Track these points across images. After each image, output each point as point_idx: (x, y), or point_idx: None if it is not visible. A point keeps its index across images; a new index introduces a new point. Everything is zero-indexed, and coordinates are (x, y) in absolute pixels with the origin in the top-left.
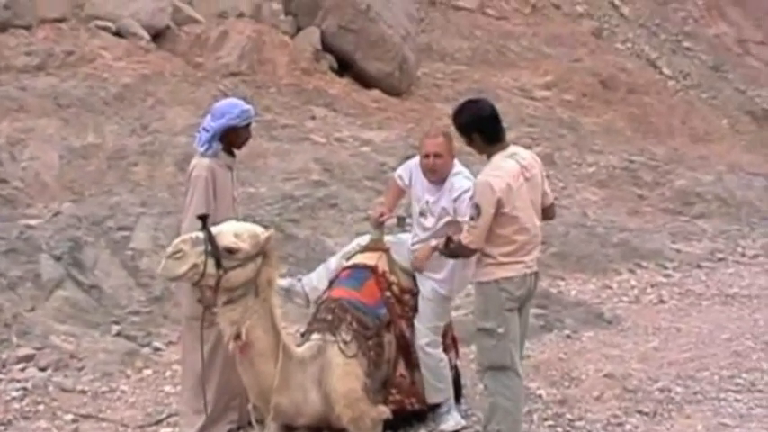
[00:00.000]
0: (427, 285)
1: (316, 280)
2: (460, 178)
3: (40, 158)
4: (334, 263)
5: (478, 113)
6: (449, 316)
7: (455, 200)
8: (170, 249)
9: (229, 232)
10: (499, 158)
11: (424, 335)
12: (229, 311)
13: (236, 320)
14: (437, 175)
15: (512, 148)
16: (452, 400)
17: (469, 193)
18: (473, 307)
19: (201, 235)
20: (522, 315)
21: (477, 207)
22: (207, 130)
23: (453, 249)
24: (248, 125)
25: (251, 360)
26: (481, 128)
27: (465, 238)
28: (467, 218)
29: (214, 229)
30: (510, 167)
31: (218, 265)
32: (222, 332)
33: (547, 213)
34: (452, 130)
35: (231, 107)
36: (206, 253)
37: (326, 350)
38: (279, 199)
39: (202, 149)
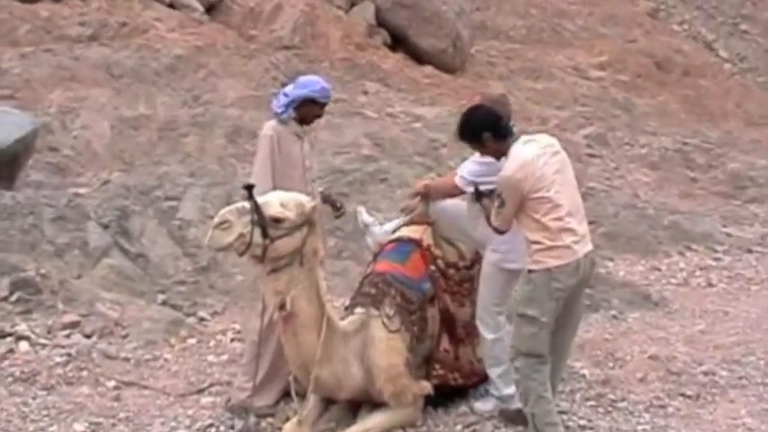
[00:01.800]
0: None
1: (391, 230)
2: None
3: (91, 128)
4: None
5: (483, 115)
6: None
7: None
8: (216, 220)
9: (275, 201)
10: (515, 149)
11: None
12: (274, 281)
13: (280, 290)
14: None
15: (524, 137)
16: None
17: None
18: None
19: (248, 204)
20: (576, 303)
21: (500, 198)
22: (287, 95)
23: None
24: (324, 104)
25: (294, 331)
26: (490, 128)
27: (494, 221)
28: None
29: (260, 199)
30: (528, 151)
31: (265, 234)
32: (267, 302)
33: None
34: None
35: (315, 82)
36: (252, 222)
37: (370, 324)
38: (329, 172)
39: (278, 111)
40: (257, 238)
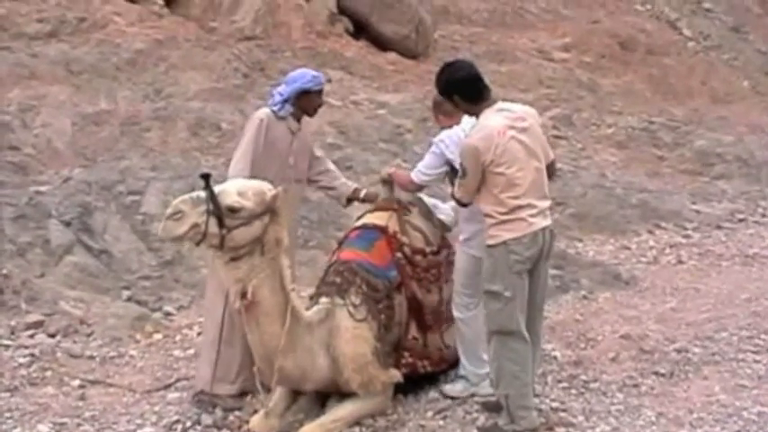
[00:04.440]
0: None
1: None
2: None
3: (51, 125)
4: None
5: (454, 75)
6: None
7: None
8: (169, 210)
9: (233, 191)
10: (484, 117)
11: None
12: (234, 269)
13: (240, 278)
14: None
15: (500, 104)
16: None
17: (434, 141)
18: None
19: (203, 194)
20: (538, 276)
21: (462, 168)
22: (281, 95)
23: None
24: (320, 92)
25: (257, 320)
26: (460, 89)
27: (456, 192)
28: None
29: (217, 188)
30: (495, 124)
31: (221, 224)
32: (228, 290)
33: (547, 171)
34: None
35: (304, 74)
36: (207, 212)
37: (335, 314)
38: None
39: (275, 108)
40: (213, 228)
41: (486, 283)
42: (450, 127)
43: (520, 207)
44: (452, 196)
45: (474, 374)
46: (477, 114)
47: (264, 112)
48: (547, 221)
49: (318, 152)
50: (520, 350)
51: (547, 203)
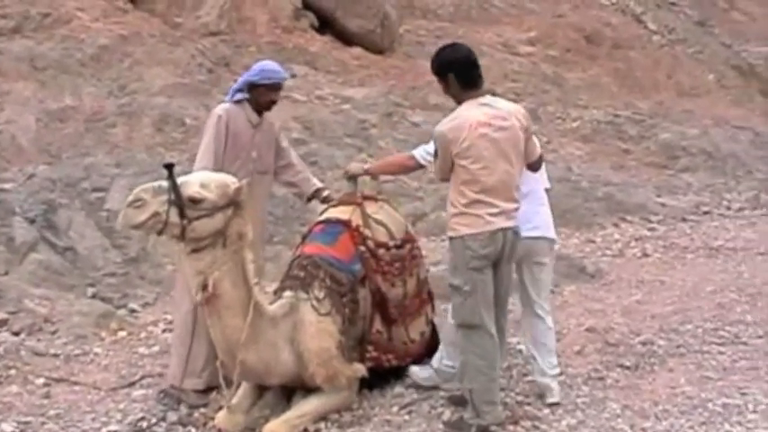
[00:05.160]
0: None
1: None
2: None
3: (16, 122)
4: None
5: (452, 55)
6: None
7: None
8: (130, 198)
9: (195, 182)
10: (465, 107)
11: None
12: (195, 261)
13: (201, 270)
14: None
15: (486, 98)
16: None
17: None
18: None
19: (165, 184)
20: (501, 275)
21: (435, 151)
22: (236, 82)
23: None
24: (271, 87)
25: (218, 313)
26: (455, 70)
27: (433, 168)
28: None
29: (180, 179)
30: (470, 116)
31: (182, 214)
32: (189, 282)
33: (531, 167)
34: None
35: (256, 66)
36: (169, 202)
37: (299, 308)
38: None
39: (227, 98)
40: (174, 217)
41: (450, 277)
42: None
43: (479, 202)
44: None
45: (444, 365)
46: (461, 101)
47: (223, 107)
48: (509, 223)
49: (284, 144)
50: (485, 345)
51: (513, 206)
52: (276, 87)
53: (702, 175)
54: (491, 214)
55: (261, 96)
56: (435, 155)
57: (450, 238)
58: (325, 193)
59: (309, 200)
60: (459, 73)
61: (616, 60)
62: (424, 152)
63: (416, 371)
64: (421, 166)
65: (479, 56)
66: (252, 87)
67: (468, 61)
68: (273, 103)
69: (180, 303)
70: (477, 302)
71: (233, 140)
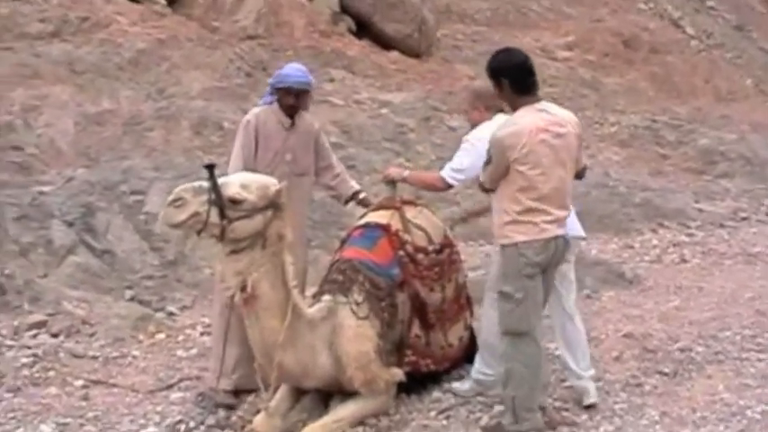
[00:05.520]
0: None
1: None
2: (477, 129)
3: (54, 125)
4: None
5: (509, 59)
6: None
7: None
8: (171, 197)
9: (236, 183)
10: (522, 113)
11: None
12: (234, 262)
13: (240, 271)
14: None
15: (542, 104)
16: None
17: (468, 140)
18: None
19: (206, 184)
20: (546, 280)
21: (489, 156)
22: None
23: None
24: (287, 91)
25: (257, 315)
26: (511, 74)
27: (481, 176)
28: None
29: (221, 179)
30: (528, 122)
31: (222, 215)
32: (226, 284)
33: (577, 175)
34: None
35: (285, 69)
36: (209, 202)
37: (338, 312)
38: None
39: (260, 101)
40: (214, 218)
41: (500, 284)
42: (478, 124)
43: (534, 210)
44: (479, 182)
45: (483, 373)
46: (516, 107)
47: (253, 112)
48: (561, 230)
49: (325, 144)
50: (531, 352)
51: (565, 213)
52: (291, 92)
53: (740, 180)
54: (546, 222)
55: (281, 100)
56: (487, 162)
57: (503, 246)
58: (362, 196)
59: (347, 202)
60: (513, 78)
61: (654, 65)
62: (450, 171)
63: (458, 386)
64: (450, 187)
65: None
66: (276, 91)
67: (524, 67)
68: (292, 107)
69: (216, 305)
70: (528, 310)
71: (264, 144)
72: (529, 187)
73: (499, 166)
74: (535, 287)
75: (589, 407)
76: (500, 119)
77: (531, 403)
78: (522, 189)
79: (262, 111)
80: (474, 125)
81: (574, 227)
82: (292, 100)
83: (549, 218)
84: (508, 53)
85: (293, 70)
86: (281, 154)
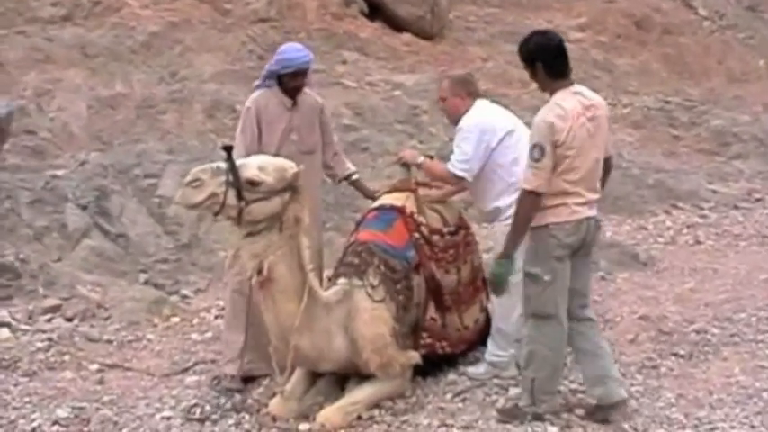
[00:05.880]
0: None
1: None
2: (467, 116)
3: (67, 109)
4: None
5: (544, 43)
6: None
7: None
8: (188, 178)
9: (254, 165)
10: (561, 96)
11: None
12: (250, 244)
13: (257, 254)
14: (448, 118)
15: (576, 87)
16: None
17: (462, 128)
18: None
19: (223, 165)
20: (581, 264)
21: (540, 148)
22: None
23: (518, 209)
24: (294, 75)
25: (273, 297)
26: (545, 58)
27: (529, 183)
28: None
29: (239, 161)
30: (571, 107)
31: (240, 196)
32: (243, 266)
33: (604, 165)
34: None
35: (278, 53)
36: (227, 183)
37: (353, 295)
38: None
39: (255, 84)
40: (231, 199)
41: (527, 266)
42: (458, 113)
43: (568, 193)
44: (523, 188)
45: (497, 356)
46: (551, 91)
47: (252, 98)
48: (592, 212)
49: (327, 121)
50: (555, 335)
51: (596, 196)
52: (299, 74)
53: (754, 161)
54: (578, 204)
55: (286, 84)
56: (539, 156)
57: (533, 228)
58: (355, 177)
59: (340, 182)
60: (547, 62)
61: (666, 46)
62: (456, 163)
63: (472, 371)
64: (459, 179)
65: None
66: (276, 76)
67: (559, 51)
68: (298, 89)
69: (227, 290)
70: (556, 292)
71: (268, 128)
72: (567, 170)
73: (552, 154)
74: (564, 269)
75: None
76: (481, 105)
77: (551, 386)
78: (560, 173)
79: (260, 95)
80: (452, 113)
81: None
82: (300, 80)
83: (580, 200)
84: (544, 36)
85: (295, 51)
86: (286, 133)
